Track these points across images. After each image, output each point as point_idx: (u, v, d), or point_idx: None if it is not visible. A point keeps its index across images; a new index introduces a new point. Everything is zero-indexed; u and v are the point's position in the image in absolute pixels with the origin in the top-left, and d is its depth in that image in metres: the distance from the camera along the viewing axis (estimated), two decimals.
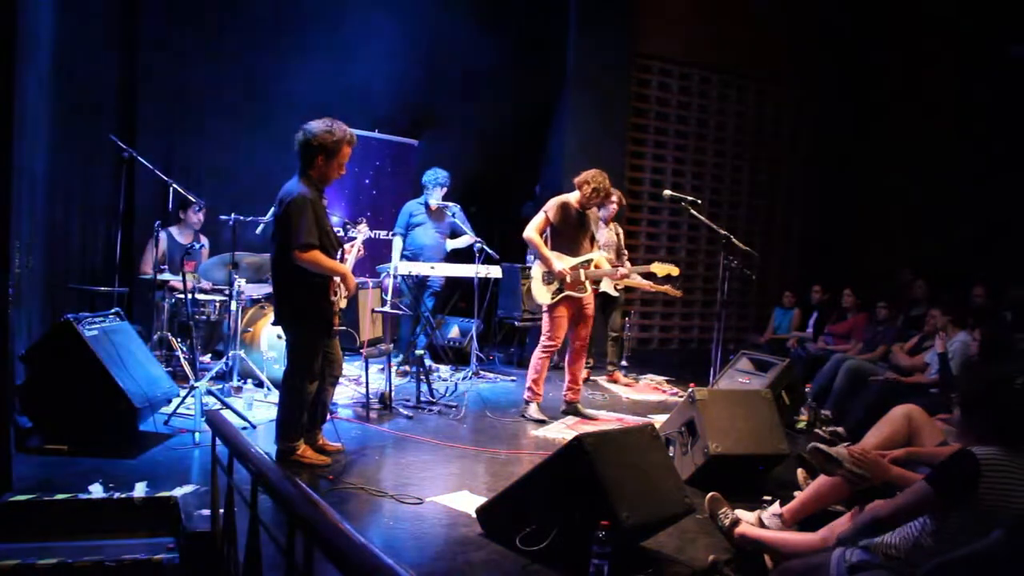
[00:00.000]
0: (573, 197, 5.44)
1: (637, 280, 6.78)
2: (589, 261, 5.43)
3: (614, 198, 6.74)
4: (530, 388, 5.51)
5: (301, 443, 4.16)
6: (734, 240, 5.41)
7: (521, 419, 5.55)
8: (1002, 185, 8.30)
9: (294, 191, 3.93)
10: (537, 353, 5.50)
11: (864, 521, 2.43)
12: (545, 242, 5.39)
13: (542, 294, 5.39)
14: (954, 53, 8.94)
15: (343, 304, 4.15)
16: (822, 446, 3.25)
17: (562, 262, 5.31)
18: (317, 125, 3.95)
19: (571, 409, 5.64)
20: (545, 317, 5.46)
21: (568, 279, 5.30)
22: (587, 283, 5.41)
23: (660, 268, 5.70)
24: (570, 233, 5.41)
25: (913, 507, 2.32)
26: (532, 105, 8.51)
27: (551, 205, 5.41)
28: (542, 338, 5.48)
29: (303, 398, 4.10)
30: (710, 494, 3.44)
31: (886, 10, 9.55)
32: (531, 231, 5.37)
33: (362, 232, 4.76)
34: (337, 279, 4.04)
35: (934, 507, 2.30)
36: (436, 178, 6.87)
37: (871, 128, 9.89)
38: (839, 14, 10.00)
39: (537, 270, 5.44)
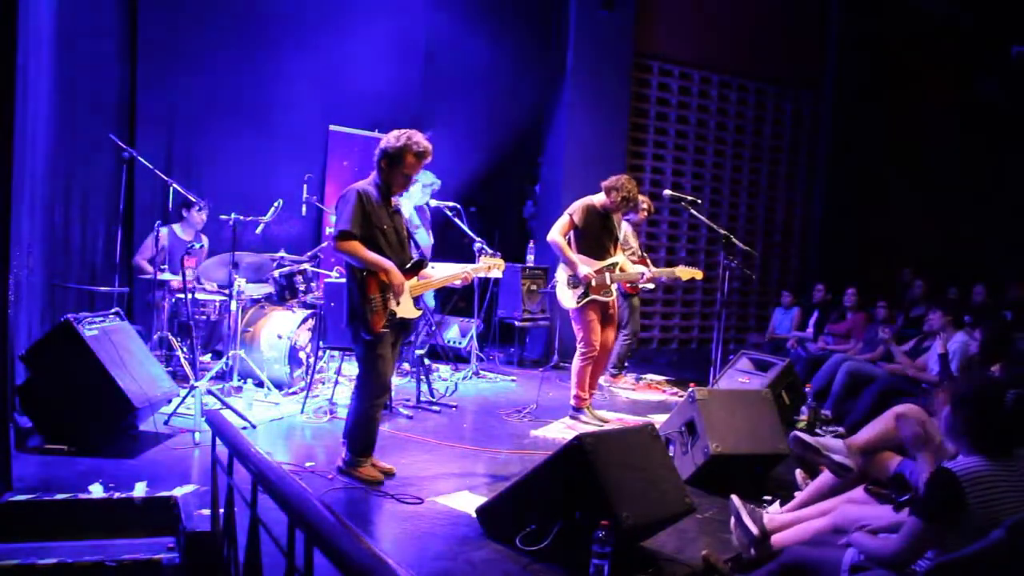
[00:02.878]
0: (597, 199, 5.36)
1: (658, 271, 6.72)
2: (614, 264, 5.36)
3: (644, 206, 6.78)
4: (577, 396, 5.44)
5: (367, 460, 4.02)
6: (734, 240, 5.41)
7: (522, 419, 5.56)
8: (1003, 185, 8.30)
9: (350, 186, 3.98)
10: (577, 362, 5.41)
11: (872, 555, 2.42)
12: (568, 244, 5.33)
13: (567, 298, 5.32)
14: (955, 53, 8.94)
15: (399, 309, 3.94)
16: (802, 435, 3.26)
17: (587, 266, 5.25)
18: (392, 132, 3.97)
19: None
20: (576, 323, 5.37)
21: (593, 283, 5.25)
22: (612, 287, 5.35)
23: (685, 272, 5.63)
24: (595, 236, 5.34)
25: (916, 546, 2.32)
26: (532, 105, 8.50)
27: (576, 208, 5.32)
28: (579, 345, 5.39)
29: (365, 410, 3.97)
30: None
31: (886, 10, 9.55)
32: (556, 234, 5.28)
33: (484, 263, 4.66)
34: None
35: (934, 536, 2.30)
36: (432, 181, 6.89)
37: (871, 128, 9.89)
38: (839, 15, 10.00)
39: (562, 274, 5.36)
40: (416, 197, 6.92)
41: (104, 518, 2.98)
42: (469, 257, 6.84)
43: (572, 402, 5.49)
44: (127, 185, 5.75)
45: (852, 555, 2.48)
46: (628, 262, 5.56)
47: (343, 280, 4.22)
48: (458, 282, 4.48)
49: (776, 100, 10.01)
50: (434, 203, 6.88)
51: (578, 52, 8.27)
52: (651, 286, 6.67)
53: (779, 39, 9.68)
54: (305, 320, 5.82)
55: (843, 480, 3.20)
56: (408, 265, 4.03)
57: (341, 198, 3.95)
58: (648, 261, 6.52)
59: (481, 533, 3.40)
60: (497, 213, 8.92)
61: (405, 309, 3.99)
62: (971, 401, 2.43)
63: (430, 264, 6.47)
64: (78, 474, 3.75)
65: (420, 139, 3.96)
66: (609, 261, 5.35)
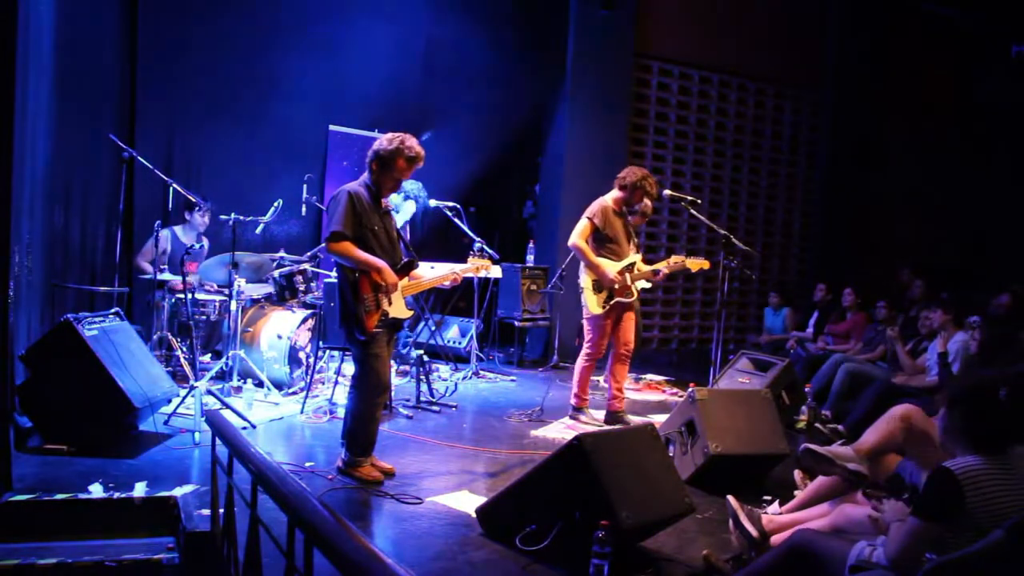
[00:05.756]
0: (611, 199, 5.32)
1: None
2: (632, 265, 5.32)
3: (641, 208, 6.75)
4: (577, 395, 5.44)
5: (366, 460, 4.04)
6: (734, 240, 5.40)
7: (521, 419, 5.56)
8: (1003, 185, 8.31)
9: (341, 187, 3.99)
10: (581, 362, 5.39)
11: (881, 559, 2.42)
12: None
13: (594, 303, 5.24)
14: (954, 53, 8.94)
15: (391, 309, 3.96)
16: (813, 446, 3.25)
17: (611, 269, 5.20)
18: (386, 135, 3.99)
19: (615, 418, 5.43)
20: (589, 325, 5.32)
21: (617, 286, 5.21)
22: (634, 287, 5.31)
23: (693, 263, 5.61)
24: (614, 236, 5.30)
25: (915, 546, 2.31)
26: (532, 105, 8.50)
27: (595, 211, 5.27)
28: (586, 346, 5.35)
29: (364, 409, 4.00)
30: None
31: (886, 10, 9.55)
32: (578, 239, 5.22)
33: (473, 264, 4.65)
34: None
35: (933, 536, 2.30)
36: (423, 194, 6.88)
37: (871, 128, 9.89)
38: (839, 14, 10.00)
39: (587, 279, 5.27)
40: (407, 212, 6.92)
41: (104, 518, 2.98)
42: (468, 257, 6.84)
43: (573, 401, 5.49)
44: (127, 185, 5.74)
45: (856, 552, 2.48)
46: (641, 261, 5.52)
47: None
48: (448, 283, 4.48)
49: (776, 100, 10.01)
50: (434, 203, 6.87)
51: (578, 52, 8.27)
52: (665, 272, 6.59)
53: (779, 39, 9.67)
54: (305, 320, 5.82)
55: (858, 488, 3.19)
56: (399, 265, 4.05)
57: (332, 199, 3.98)
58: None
59: (481, 533, 3.39)
60: (497, 213, 8.92)
61: (397, 309, 4.01)
62: (964, 400, 2.43)
63: (431, 265, 6.51)
64: (78, 474, 3.75)
65: (413, 144, 3.97)
66: (627, 261, 5.30)
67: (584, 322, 5.40)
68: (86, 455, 4.03)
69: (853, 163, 10.02)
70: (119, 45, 6.37)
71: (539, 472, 3.25)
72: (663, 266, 5.47)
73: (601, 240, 5.28)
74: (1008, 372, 2.67)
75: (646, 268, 5.43)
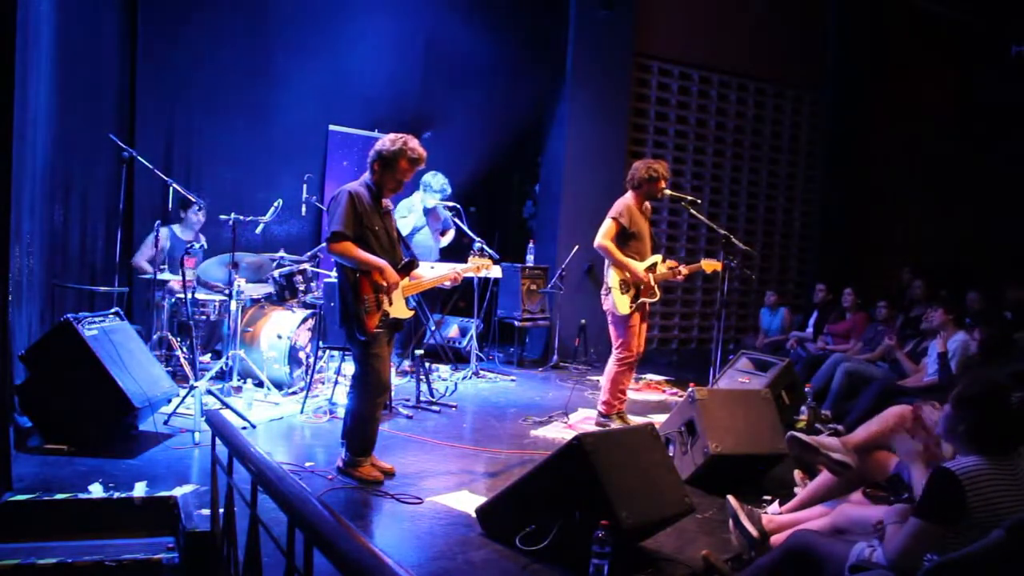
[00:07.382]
0: (631, 199, 5.27)
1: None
2: (655, 264, 5.26)
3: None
4: (607, 403, 5.32)
5: (366, 460, 4.05)
6: (733, 239, 5.40)
7: (521, 419, 5.56)
8: (1002, 185, 8.31)
9: (341, 187, 4.01)
10: (613, 367, 5.27)
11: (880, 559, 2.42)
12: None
13: (623, 303, 5.16)
14: (954, 53, 8.94)
15: (392, 309, 3.97)
16: (799, 434, 3.26)
17: (638, 268, 5.14)
18: (388, 136, 4.00)
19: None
20: (618, 327, 5.22)
21: (642, 285, 5.16)
22: (655, 287, 5.24)
23: (708, 265, 5.58)
24: (640, 235, 5.24)
25: (916, 546, 2.31)
26: (532, 105, 8.50)
27: (621, 210, 5.20)
28: (617, 351, 5.25)
29: (364, 409, 4.01)
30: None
31: (886, 9, 9.55)
32: (604, 240, 5.14)
33: (473, 263, 4.63)
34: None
35: (934, 537, 2.30)
36: (443, 187, 6.83)
37: (871, 128, 9.89)
38: (839, 14, 10.00)
39: (615, 279, 5.19)
40: (428, 201, 6.90)
41: (104, 518, 2.99)
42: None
43: (601, 408, 5.37)
44: (127, 185, 5.73)
45: (856, 553, 2.48)
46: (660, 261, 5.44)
47: None
48: (448, 283, 4.48)
49: (776, 100, 10.02)
50: (433, 203, 6.86)
51: (578, 52, 8.27)
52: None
53: (779, 39, 9.67)
54: (305, 320, 5.82)
55: (842, 478, 3.20)
56: (399, 265, 4.05)
57: (332, 199, 3.99)
58: None
59: (481, 533, 3.40)
60: (497, 213, 8.91)
61: (397, 309, 4.02)
62: (975, 402, 2.42)
63: (431, 264, 6.51)
64: (78, 474, 3.75)
65: (415, 145, 4.00)
66: (649, 261, 5.26)
67: (611, 326, 5.29)
68: (86, 455, 4.03)
69: (853, 163, 10.02)
70: (119, 45, 6.36)
71: (539, 472, 3.25)
72: (679, 264, 5.42)
73: (626, 239, 5.21)
74: (1012, 372, 2.67)
75: (665, 268, 5.38)
